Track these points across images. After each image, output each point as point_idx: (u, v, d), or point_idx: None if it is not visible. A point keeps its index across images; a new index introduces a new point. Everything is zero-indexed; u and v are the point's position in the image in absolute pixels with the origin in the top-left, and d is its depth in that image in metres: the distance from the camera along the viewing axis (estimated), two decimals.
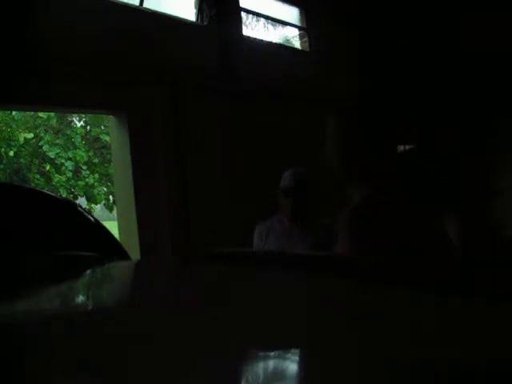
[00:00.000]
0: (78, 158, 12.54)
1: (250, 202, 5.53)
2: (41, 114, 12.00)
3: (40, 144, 12.31)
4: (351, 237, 1.41)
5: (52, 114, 11.98)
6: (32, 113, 11.68)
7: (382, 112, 1.58)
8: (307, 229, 2.52)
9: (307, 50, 7.75)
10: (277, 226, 2.60)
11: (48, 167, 12.43)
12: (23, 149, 12.28)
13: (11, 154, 12.10)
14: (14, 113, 11.68)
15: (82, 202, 12.56)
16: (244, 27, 6.87)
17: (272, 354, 0.58)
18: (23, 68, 4.44)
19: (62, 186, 12.46)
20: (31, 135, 12.09)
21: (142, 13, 5.72)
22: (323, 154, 1.57)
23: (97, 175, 13.07)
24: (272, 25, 7.55)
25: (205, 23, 6.38)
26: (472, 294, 0.78)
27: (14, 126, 12.02)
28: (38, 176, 12.48)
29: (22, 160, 12.37)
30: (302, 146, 6.69)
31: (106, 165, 13.12)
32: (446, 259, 1.47)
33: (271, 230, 2.60)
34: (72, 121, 13.04)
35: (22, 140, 12.00)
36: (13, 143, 12.08)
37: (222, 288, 0.96)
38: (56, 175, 12.41)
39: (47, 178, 12.55)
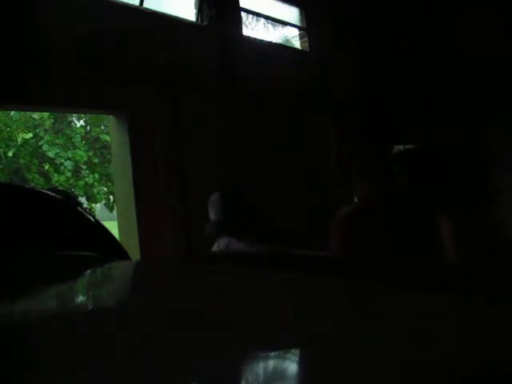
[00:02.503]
0: (77, 158, 12.55)
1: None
2: (35, 115, 11.98)
3: (40, 144, 12.32)
4: (345, 244, 1.41)
5: (45, 115, 11.98)
6: (32, 113, 11.67)
7: (382, 112, 1.58)
8: (261, 240, 2.44)
9: (307, 50, 7.75)
10: (234, 244, 2.51)
11: (47, 167, 12.43)
12: (22, 149, 12.28)
13: (10, 154, 12.10)
14: (12, 113, 11.66)
15: (82, 201, 12.56)
16: (244, 27, 6.87)
17: (272, 354, 0.58)
18: (23, 68, 4.44)
19: (61, 185, 12.45)
20: (30, 135, 12.07)
21: (142, 13, 5.72)
22: (331, 156, 1.57)
23: (96, 175, 13.07)
24: (272, 25, 7.54)
25: (205, 23, 6.38)
26: (472, 294, 0.78)
27: (13, 127, 12.02)
28: (38, 176, 12.48)
29: (21, 160, 12.36)
30: (302, 146, 6.70)
31: (105, 165, 13.12)
32: (446, 259, 1.47)
33: (230, 244, 2.51)
34: (72, 121, 13.04)
35: (19, 140, 11.98)
36: (12, 143, 12.08)
37: (222, 288, 0.95)
38: (55, 175, 12.40)
39: (46, 177, 12.55)
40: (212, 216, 2.47)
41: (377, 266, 1.26)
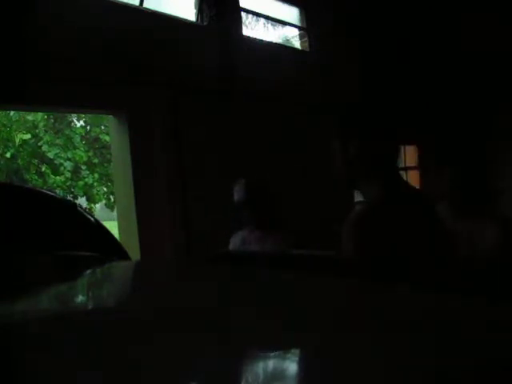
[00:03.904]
0: (77, 158, 12.53)
1: None
2: (29, 117, 11.97)
3: (39, 144, 12.29)
4: (357, 245, 1.40)
5: (40, 116, 11.96)
6: (28, 114, 11.65)
7: (382, 112, 1.58)
8: (275, 233, 2.49)
9: (307, 50, 7.75)
10: (248, 236, 2.58)
11: (43, 168, 12.38)
12: (21, 149, 12.25)
13: (8, 155, 12.08)
14: (12, 113, 11.65)
15: (82, 201, 12.55)
16: (244, 27, 6.86)
17: (273, 354, 0.58)
18: (23, 68, 4.44)
19: (58, 186, 12.40)
20: (28, 136, 12.04)
21: (142, 13, 5.71)
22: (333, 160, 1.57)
23: (96, 175, 13.06)
24: (272, 25, 7.54)
25: (205, 23, 6.38)
26: (472, 293, 0.78)
27: (13, 127, 12.00)
28: (36, 177, 12.44)
29: (19, 161, 12.32)
30: (303, 146, 6.70)
31: (105, 165, 13.11)
32: (448, 260, 1.47)
33: (244, 240, 2.58)
34: (72, 121, 13.03)
35: (18, 141, 11.96)
36: (10, 144, 12.05)
37: (224, 288, 0.95)
38: (51, 176, 12.36)
39: (45, 178, 12.53)
40: (236, 202, 2.57)
41: (389, 266, 1.26)
